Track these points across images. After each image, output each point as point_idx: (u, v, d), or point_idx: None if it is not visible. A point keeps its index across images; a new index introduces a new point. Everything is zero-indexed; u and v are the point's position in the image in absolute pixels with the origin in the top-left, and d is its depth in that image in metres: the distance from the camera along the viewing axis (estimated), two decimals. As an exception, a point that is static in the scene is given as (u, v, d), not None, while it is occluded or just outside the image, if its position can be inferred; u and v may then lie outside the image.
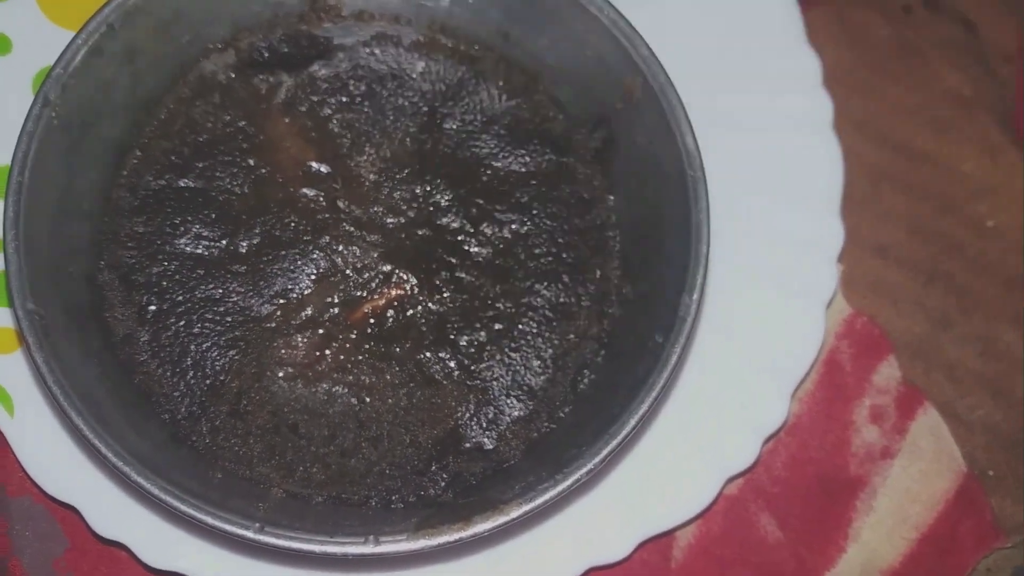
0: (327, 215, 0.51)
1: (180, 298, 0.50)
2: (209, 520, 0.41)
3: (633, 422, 0.43)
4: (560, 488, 0.42)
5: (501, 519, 0.42)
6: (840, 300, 0.58)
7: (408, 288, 0.51)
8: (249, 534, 0.41)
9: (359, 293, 0.51)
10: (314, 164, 0.52)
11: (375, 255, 0.51)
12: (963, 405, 0.57)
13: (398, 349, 0.50)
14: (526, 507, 0.42)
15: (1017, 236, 0.60)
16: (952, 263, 0.60)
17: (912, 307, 0.59)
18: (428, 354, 0.50)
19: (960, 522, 0.55)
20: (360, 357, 0.50)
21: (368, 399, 0.49)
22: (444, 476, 0.48)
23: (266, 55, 0.53)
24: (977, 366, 0.58)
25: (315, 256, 0.51)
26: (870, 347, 0.58)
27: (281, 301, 0.50)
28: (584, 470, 0.42)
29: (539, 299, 0.51)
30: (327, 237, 0.51)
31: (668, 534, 0.52)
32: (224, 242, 0.51)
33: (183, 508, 0.41)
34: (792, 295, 0.54)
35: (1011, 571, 0.55)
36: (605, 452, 0.43)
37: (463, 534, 0.41)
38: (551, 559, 0.49)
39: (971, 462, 0.56)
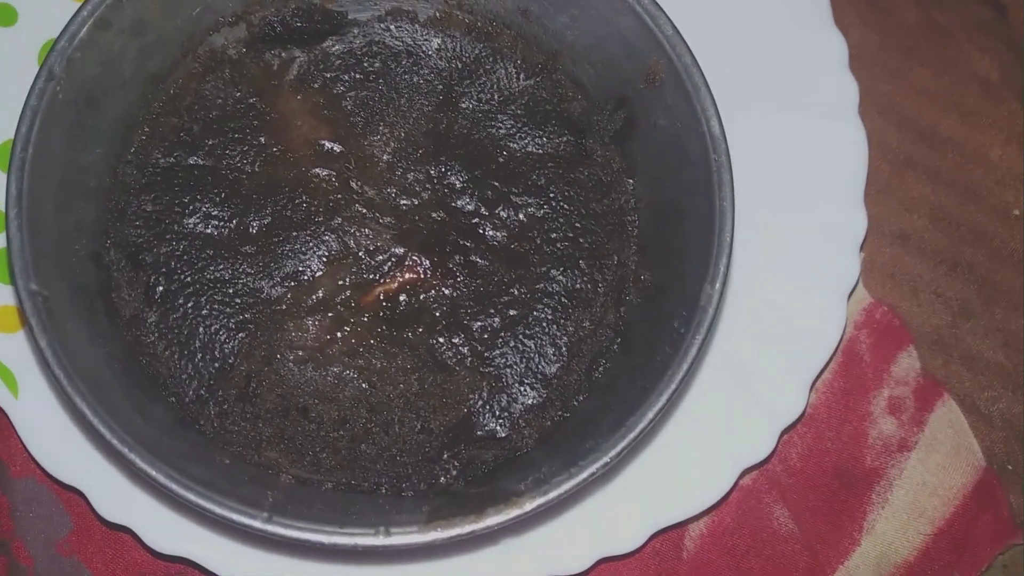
0: (339, 196, 0.50)
1: (189, 279, 0.49)
2: (216, 509, 0.40)
3: (651, 415, 0.42)
4: (575, 482, 0.41)
5: (515, 512, 0.41)
6: (860, 289, 0.57)
7: (421, 272, 0.50)
8: (257, 524, 0.40)
9: (371, 276, 0.50)
10: (326, 143, 0.51)
11: (388, 237, 0.50)
12: (983, 398, 0.56)
13: (410, 334, 0.49)
14: (540, 500, 0.41)
15: (1043, 227, 0.59)
16: (975, 252, 0.59)
17: (933, 297, 0.58)
18: (441, 339, 0.49)
19: (977, 517, 0.54)
20: (372, 341, 0.49)
21: (379, 384, 0.48)
22: (456, 464, 0.47)
23: (278, 29, 0.52)
24: (998, 358, 0.57)
25: (327, 238, 0.50)
26: (889, 337, 0.57)
27: (292, 283, 0.49)
28: (600, 463, 0.41)
29: (555, 285, 0.50)
30: (339, 218, 0.50)
31: (681, 525, 0.51)
32: (234, 222, 0.50)
33: (190, 497, 0.40)
34: (813, 284, 0.52)
35: (1028, 568, 0.54)
36: (622, 446, 0.42)
37: (476, 527, 0.40)
38: (563, 550, 0.48)
39: (990, 456, 0.55)
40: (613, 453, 0.42)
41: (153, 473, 0.40)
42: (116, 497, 0.48)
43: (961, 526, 0.54)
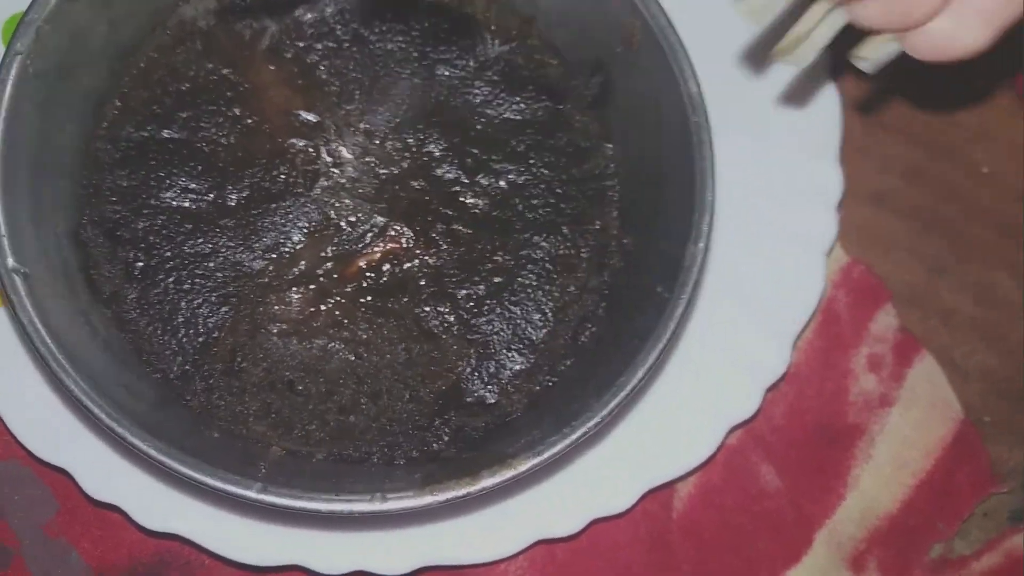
0: (317, 166, 0.50)
1: (168, 254, 0.48)
2: (210, 481, 0.40)
3: (640, 374, 0.42)
4: (569, 441, 0.41)
5: (509, 473, 0.41)
6: (837, 248, 0.57)
7: (404, 241, 0.50)
8: (252, 494, 0.40)
9: (353, 247, 0.49)
10: (302, 113, 0.50)
11: (369, 207, 0.50)
12: (960, 352, 0.57)
13: (395, 304, 0.49)
14: (534, 460, 0.41)
15: (1012, 182, 0.60)
16: (948, 209, 0.59)
17: (908, 255, 0.58)
18: (427, 308, 0.49)
19: (957, 468, 0.55)
20: (357, 312, 0.49)
21: (366, 354, 0.48)
22: (446, 431, 0.47)
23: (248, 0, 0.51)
24: (974, 313, 0.58)
25: (307, 209, 0.49)
26: (867, 295, 0.57)
27: (273, 255, 0.49)
28: (592, 423, 0.42)
29: (538, 251, 0.50)
30: (318, 189, 0.49)
31: (670, 485, 0.52)
32: (212, 195, 0.49)
33: (182, 469, 0.40)
34: (792, 244, 0.53)
35: (1007, 514, 0.55)
36: (613, 404, 0.42)
37: (471, 488, 0.40)
38: (555, 512, 0.49)
39: (968, 409, 0.56)
40: (604, 413, 0.42)
41: (144, 447, 0.40)
42: (103, 475, 0.47)
43: (942, 477, 0.55)
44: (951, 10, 0.38)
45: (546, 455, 0.41)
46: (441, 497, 0.40)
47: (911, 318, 0.57)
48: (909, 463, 0.55)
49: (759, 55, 0.55)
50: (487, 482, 0.41)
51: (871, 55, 0.42)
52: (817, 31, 0.41)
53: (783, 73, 0.55)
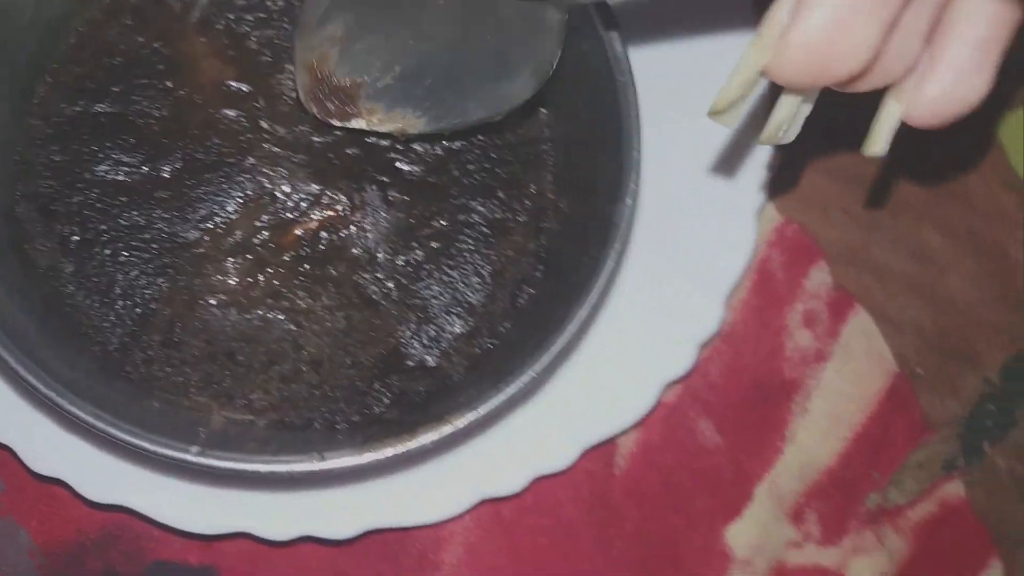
0: (250, 135, 0.50)
1: (104, 227, 0.48)
2: (147, 445, 0.40)
3: (572, 329, 0.43)
4: (504, 396, 0.42)
5: (447, 429, 0.42)
6: (770, 209, 0.58)
7: (340, 209, 0.50)
8: (190, 457, 0.40)
9: (289, 216, 0.50)
10: (233, 83, 0.50)
11: (303, 176, 0.50)
12: (893, 307, 0.59)
13: (334, 271, 0.49)
14: (470, 416, 0.42)
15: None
16: (876, 166, 0.61)
17: (841, 213, 0.60)
18: (365, 275, 0.49)
19: (892, 420, 0.57)
20: (295, 281, 0.49)
21: (306, 323, 0.49)
22: (388, 395, 0.48)
23: (177, -27, 0.51)
24: (906, 268, 0.59)
25: (240, 179, 0.49)
26: (801, 254, 0.58)
27: (208, 226, 0.49)
28: (526, 378, 0.42)
29: (475, 216, 0.51)
30: (252, 159, 0.50)
31: (610, 442, 0.53)
32: (145, 168, 0.49)
33: (118, 434, 0.40)
34: (723, 202, 0.54)
35: (941, 463, 0.57)
36: (546, 359, 0.43)
37: (409, 445, 0.41)
38: (498, 471, 0.49)
39: (901, 362, 0.57)
40: (537, 368, 0.43)
41: (81, 413, 0.40)
42: (46, 450, 0.47)
43: (877, 429, 0.57)
44: (939, 59, 0.34)
45: (482, 411, 0.42)
46: (380, 455, 0.41)
47: (845, 275, 0.59)
48: (844, 417, 0.57)
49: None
50: (425, 438, 0.41)
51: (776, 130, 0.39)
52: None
53: (709, 31, 0.55)
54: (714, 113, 0.37)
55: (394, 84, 0.47)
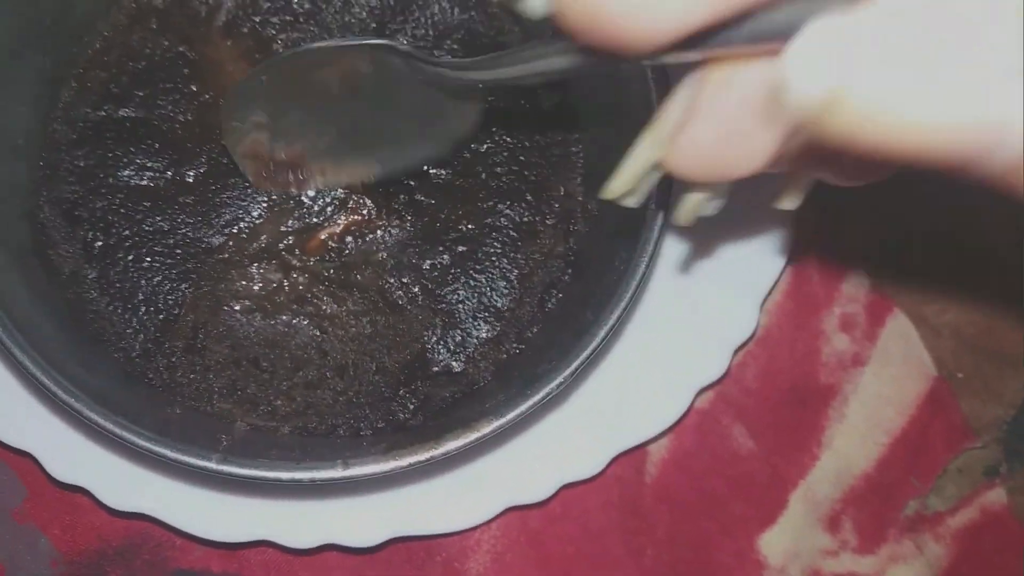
0: (276, 139, 0.49)
1: (127, 232, 0.48)
2: (169, 453, 0.39)
3: (602, 333, 0.42)
4: (532, 402, 0.41)
5: (472, 436, 0.41)
6: (807, 211, 0.57)
7: (366, 213, 0.49)
8: (212, 465, 0.39)
9: (315, 220, 0.49)
10: (260, 87, 0.50)
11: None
12: (931, 310, 0.57)
13: (359, 276, 0.49)
14: (497, 423, 0.41)
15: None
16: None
17: (880, 215, 0.58)
18: (391, 280, 0.49)
19: (931, 425, 0.55)
20: (320, 286, 0.48)
21: (331, 328, 0.48)
22: (413, 400, 0.47)
23: (203, -24, 0.51)
24: (944, 270, 0.58)
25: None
26: (838, 257, 0.57)
27: (233, 231, 0.48)
28: (555, 383, 0.41)
29: (503, 219, 0.50)
30: (277, 163, 0.49)
31: (641, 448, 0.51)
32: (170, 172, 0.49)
33: (140, 442, 0.39)
34: (758, 204, 0.53)
35: (982, 469, 0.55)
36: (575, 364, 0.42)
37: (434, 452, 0.40)
38: (525, 478, 0.48)
39: (940, 366, 0.56)
40: (567, 373, 0.42)
41: (103, 422, 0.39)
42: (68, 457, 0.47)
43: (916, 434, 0.55)
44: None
45: (509, 416, 0.41)
46: (404, 462, 0.40)
47: (882, 278, 0.57)
48: (883, 422, 0.55)
49: None
50: (450, 445, 0.41)
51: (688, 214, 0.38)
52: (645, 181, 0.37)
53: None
54: (610, 195, 0.37)
55: (334, 142, 0.47)
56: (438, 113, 0.44)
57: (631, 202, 0.37)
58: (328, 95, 0.44)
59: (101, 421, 0.39)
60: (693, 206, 0.37)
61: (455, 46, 0.52)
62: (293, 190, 0.48)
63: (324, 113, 0.45)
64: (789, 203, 0.38)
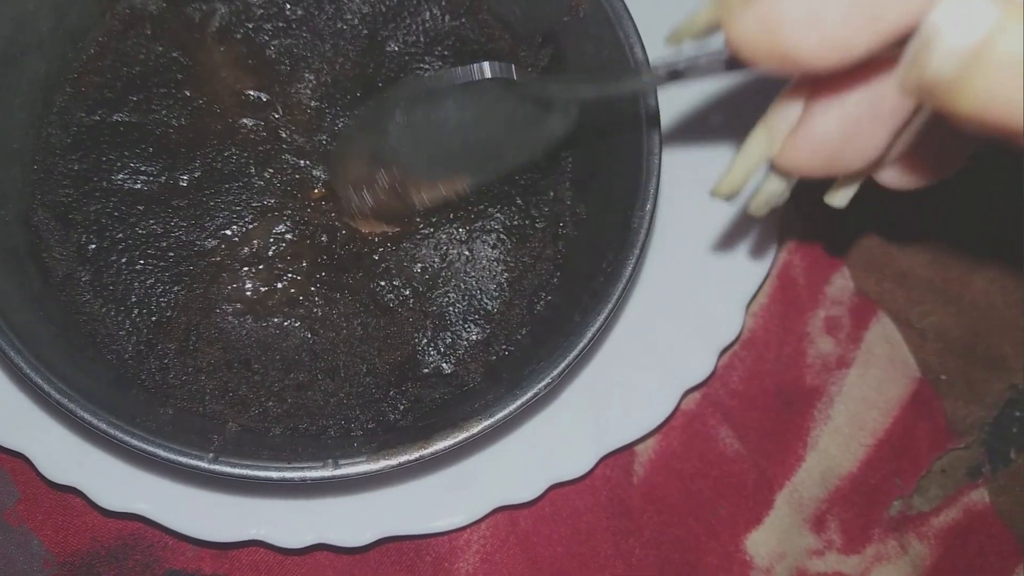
0: (269, 145, 0.50)
1: (120, 235, 0.48)
2: (161, 452, 0.40)
3: (590, 334, 0.43)
4: (520, 402, 0.42)
5: (462, 436, 0.41)
6: (792, 214, 0.58)
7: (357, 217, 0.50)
8: (203, 464, 0.40)
9: (305, 224, 0.49)
10: (252, 92, 0.50)
11: (321, 186, 0.50)
12: (915, 313, 0.58)
13: (350, 279, 0.49)
14: (486, 422, 0.41)
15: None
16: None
17: (864, 219, 0.59)
18: (382, 283, 0.49)
19: (915, 426, 0.56)
20: (311, 289, 0.49)
21: (322, 331, 0.48)
22: (403, 401, 0.47)
23: (197, -18, 0.51)
24: (929, 273, 0.58)
25: (258, 188, 0.49)
26: (822, 260, 0.58)
27: (226, 234, 0.49)
28: (542, 383, 0.42)
29: (493, 223, 0.51)
30: (270, 169, 0.50)
31: (628, 449, 0.52)
32: (163, 176, 0.49)
33: (132, 442, 0.40)
34: (743, 208, 0.53)
35: (965, 470, 0.56)
36: (563, 365, 0.42)
37: (424, 452, 0.41)
38: (514, 478, 0.49)
39: (924, 368, 0.57)
40: (555, 373, 0.42)
41: (95, 422, 0.40)
42: (61, 458, 0.47)
43: (900, 436, 0.56)
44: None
45: (498, 416, 0.42)
46: (394, 461, 0.41)
47: (867, 281, 0.58)
48: (867, 423, 0.56)
49: None
50: (440, 445, 0.41)
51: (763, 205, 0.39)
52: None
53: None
54: (717, 194, 0.38)
55: (431, 161, 0.46)
56: (533, 122, 0.44)
57: (731, 200, 0.38)
58: (438, 120, 0.45)
59: (94, 421, 0.40)
60: (769, 197, 0.38)
61: (446, 52, 0.52)
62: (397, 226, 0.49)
63: (427, 134, 0.46)
64: (840, 200, 0.38)
